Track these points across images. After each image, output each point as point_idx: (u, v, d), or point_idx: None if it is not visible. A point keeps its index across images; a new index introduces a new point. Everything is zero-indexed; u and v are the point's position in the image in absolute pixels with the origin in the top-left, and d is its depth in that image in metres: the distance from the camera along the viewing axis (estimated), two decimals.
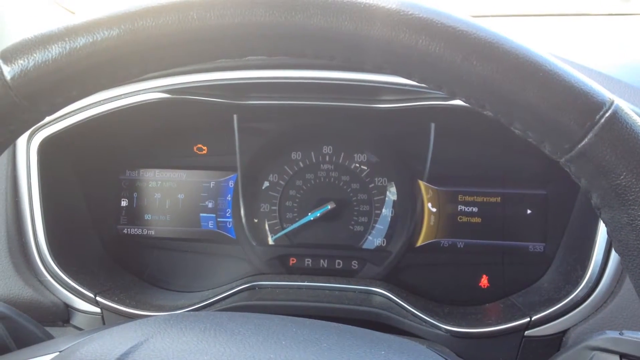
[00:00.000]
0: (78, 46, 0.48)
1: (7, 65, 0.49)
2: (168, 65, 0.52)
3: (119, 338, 0.60)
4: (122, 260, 1.37)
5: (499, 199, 1.32)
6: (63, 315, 1.17)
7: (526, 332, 1.07)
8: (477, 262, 1.31)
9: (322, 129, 1.35)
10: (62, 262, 1.17)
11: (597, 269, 1.04)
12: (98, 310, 1.17)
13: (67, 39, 0.48)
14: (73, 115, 1.13)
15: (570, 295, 1.05)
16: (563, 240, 1.24)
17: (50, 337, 0.81)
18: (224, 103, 1.18)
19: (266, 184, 1.36)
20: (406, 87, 1.08)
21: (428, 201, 1.33)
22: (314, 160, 1.36)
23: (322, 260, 1.34)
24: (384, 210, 1.34)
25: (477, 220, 1.33)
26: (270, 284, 1.25)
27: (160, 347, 0.58)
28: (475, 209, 1.33)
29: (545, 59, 0.47)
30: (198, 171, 1.39)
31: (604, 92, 0.47)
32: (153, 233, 1.40)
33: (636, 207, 0.46)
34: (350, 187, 1.35)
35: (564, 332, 1.06)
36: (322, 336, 0.64)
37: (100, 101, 1.13)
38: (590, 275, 1.04)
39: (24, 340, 0.76)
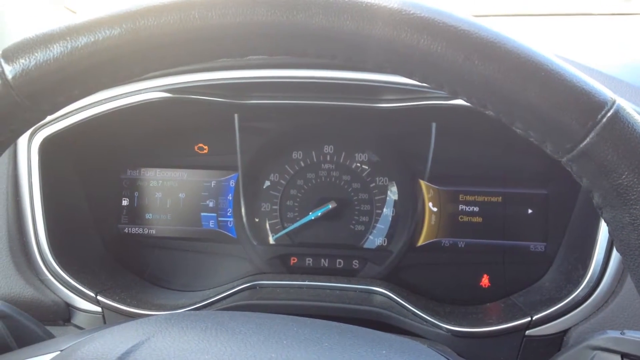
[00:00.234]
0: (80, 45, 0.48)
1: (9, 64, 0.49)
2: (169, 64, 0.52)
3: (120, 337, 0.60)
4: (123, 259, 1.37)
5: (500, 198, 1.32)
6: (64, 314, 1.17)
7: (527, 332, 1.07)
8: (478, 262, 1.31)
9: (323, 129, 1.35)
10: (63, 261, 1.17)
11: (598, 268, 1.04)
12: (99, 309, 1.17)
13: (68, 38, 0.48)
14: (74, 114, 1.13)
15: (572, 294, 1.05)
16: (564, 239, 1.24)
17: (51, 336, 0.81)
18: (225, 102, 1.18)
19: (267, 183, 1.36)
20: (407, 87, 1.08)
21: (429, 201, 1.33)
22: (315, 160, 1.36)
23: (323, 260, 1.34)
24: (385, 209, 1.34)
25: (478, 219, 1.32)
26: (271, 284, 1.25)
27: (162, 347, 0.58)
28: (476, 209, 1.33)
29: (547, 58, 0.47)
30: (199, 170, 1.39)
31: (605, 92, 0.47)
32: (154, 232, 1.40)
33: (638, 207, 0.46)
34: (351, 187, 1.35)
35: (565, 332, 1.06)
36: (324, 335, 0.64)
37: (101, 100, 1.13)
38: (591, 275, 1.04)
39: (25, 339, 0.76)
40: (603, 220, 0.50)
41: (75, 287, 1.16)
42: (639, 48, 1.43)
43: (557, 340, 1.07)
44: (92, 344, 0.59)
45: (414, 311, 1.14)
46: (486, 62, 0.46)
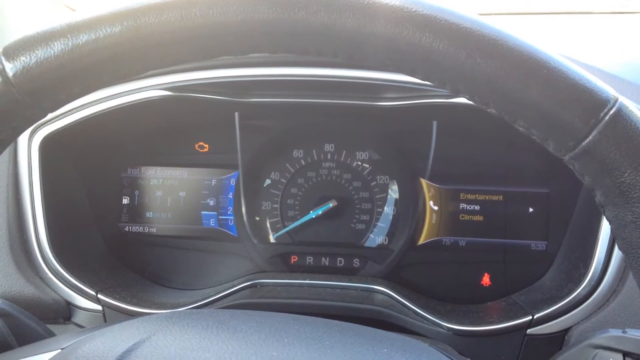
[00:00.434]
0: (80, 43, 0.48)
1: (9, 62, 0.49)
2: (170, 62, 0.52)
3: (120, 336, 0.60)
4: (124, 257, 1.37)
5: (501, 197, 1.32)
6: (64, 313, 1.17)
7: (528, 331, 1.07)
8: (479, 260, 1.31)
9: (324, 127, 1.35)
10: (63, 259, 1.16)
11: (600, 267, 1.04)
12: (99, 307, 1.17)
13: (69, 35, 0.48)
14: (75, 112, 1.13)
15: (573, 293, 1.05)
16: (565, 238, 1.24)
17: (51, 334, 0.81)
18: (226, 101, 1.18)
19: (268, 181, 1.36)
20: (408, 85, 1.08)
21: (430, 199, 1.33)
22: (315, 158, 1.36)
23: (323, 258, 1.34)
24: (385, 208, 1.34)
25: (479, 218, 1.32)
26: (272, 282, 1.25)
27: (162, 345, 0.58)
28: (477, 207, 1.33)
29: (550, 56, 0.46)
30: (199, 169, 1.39)
31: (608, 90, 0.46)
32: (154, 231, 1.40)
33: None
34: (352, 185, 1.35)
35: (566, 331, 1.06)
36: (325, 334, 0.64)
37: (102, 98, 1.13)
38: (592, 273, 1.04)
39: (26, 337, 0.76)
40: (605, 219, 0.50)
41: (76, 285, 1.16)
42: None
43: (559, 339, 1.07)
44: (92, 342, 0.59)
45: (414, 310, 1.14)
46: (488, 59, 0.46)
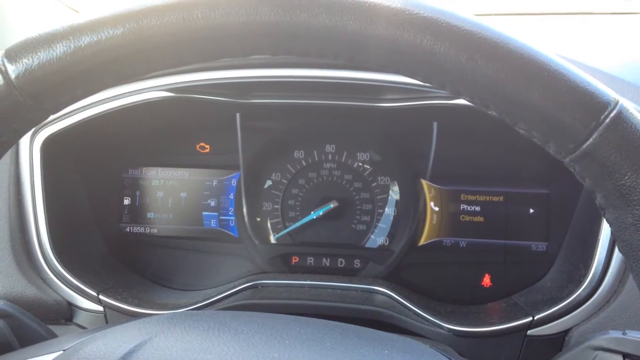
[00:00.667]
0: (83, 45, 0.48)
1: (12, 64, 0.49)
2: (172, 64, 0.52)
3: (122, 337, 0.60)
4: (125, 258, 1.37)
5: (501, 198, 1.32)
6: (66, 314, 1.18)
7: (528, 332, 1.07)
8: (479, 261, 1.31)
9: (325, 128, 1.35)
10: (64, 260, 1.17)
11: (600, 268, 1.04)
12: (101, 308, 1.17)
13: (71, 37, 0.48)
14: (76, 113, 1.13)
15: (573, 294, 1.05)
16: (566, 239, 1.24)
17: (53, 335, 0.81)
18: (227, 102, 1.18)
19: (269, 182, 1.36)
20: (409, 86, 1.08)
21: (430, 200, 1.33)
22: (316, 159, 1.36)
23: (324, 259, 1.34)
24: (386, 209, 1.34)
25: (480, 219, 1.32)
26: (273, 283, 1.25)
27: (164, 346, 0.58)
28: (477, 208, 1.33)
29: (550, 58, 0.47)
30: (201, 170, 1.39)
31: (608, 92, 0.47)
32: (155, 231, 1.40)
33: None
34: (352, 186, 1.35)
35: (566, 332, 1.06)
36: (326, 335, 0.64)
37: (103, 99, 1.13)
38: (593, 275, 1.04)
39: (27, 338, 0.76)
40: (605, 221, 0.50)
41: (77, 286, 1.16)
42: None
43: (559, 340, 1.07)
44: (94, 343, 0.59)
45: (415, 311, 1.14)
46: (489, 62, 0.46)
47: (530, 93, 0.46)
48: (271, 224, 1.36)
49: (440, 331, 1.10)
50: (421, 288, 1.31)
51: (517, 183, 1.32)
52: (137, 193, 1.40)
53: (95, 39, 0.48)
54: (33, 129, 1.14)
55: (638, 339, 0.61)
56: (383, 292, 1.21)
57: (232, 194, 1.38)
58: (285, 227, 1.35)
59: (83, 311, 1.18)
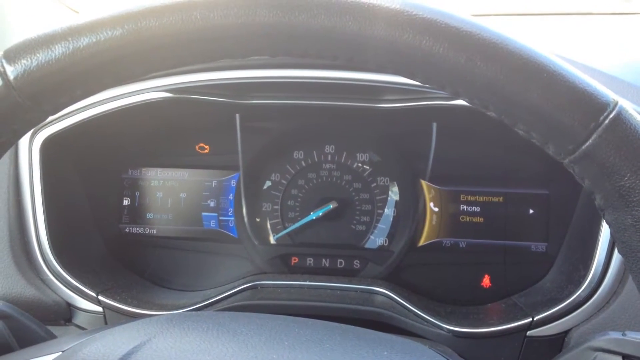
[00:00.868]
0: (81, 46, 0.48)
1: (11, 65, 0.49)
2: (171, 65, 0.52)
3: (121, 338, 0.60)
4: (124, 259, 1.37)
5: (501, 198, 1.32)
6: (65, 314, 1.17)
7: (528, 332, 1.07)
8: (479, 262, 1.31)
9: (325, 129, 1.35)
10: (64, 261, 1.17)
11: (600, 269, 1.04)
12: (100, 309, 1.17)
13: (70, 38, 0.48)
14: (75, 114, 1.13)
15: (573, 295, 1.05)
16: (565, 240, 1.24)
17: (52, 336, 0.81)
18: (227, 102, 1.18)
19: (268, 183, 1.36)
20: (408, 87, 1.08)
21: (430, 201, 1.33)
22: (316, 160, 1.36)
23: (324, 260, 1.34)
24: (386, 209, 1.34)
25: (480, 220, 1.32)
26: (272, 283, 1.25)
27: (163, 347, 0.58)
28: (477, 209, 1.33)
29: (549, 59, 0.47)
30: (200, 170, 1.39)
31: (608, 93, 0.47)
32: (155, 232, 1.40)
33: None
34: (352, 187, 1.35)
35: (566, 333, 1.06)
36: (325, 336, 0.64)
37: (102, 100, 1.13)
38: (592, 276, 1.04)
39: (26, 339, 0.76)
40: (605, 222, 0.50)
41: (77, 287, 1.16)
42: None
43: (558, 341, 1.07)
44: (93, 344, 0.59)
45: (414, 311, 1.14)
46: (488, 63, 0.46)
47: (530, 94, 0.46)
48: (271, 224, 1.36)
49: (440, 332, 1.10)
50: (421, 289, 1.31)
51: (517, 184, 1.32)
52: (137, 193, 1.40)
53: (94, 40, 0.48)
54: (32, 130, 1.14)
55: (638, 340, 0.61)
56: (382, 292, 1.21)
57: (231, 194, 1.38)
58: (285, 228, 1.35)
59: (82, 312, 1.18)
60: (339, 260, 1.34)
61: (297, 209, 1.36)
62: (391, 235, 1.34)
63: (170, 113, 1.25)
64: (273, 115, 1.33)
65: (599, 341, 0.64)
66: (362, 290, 1.23)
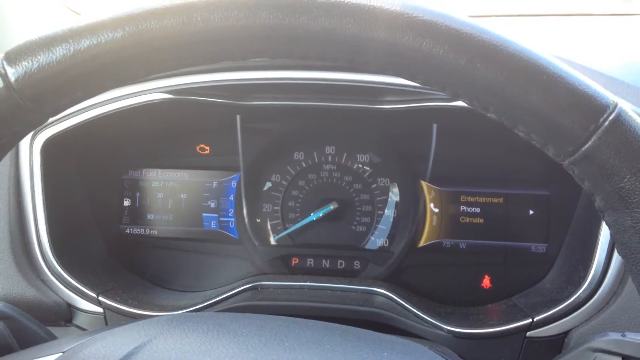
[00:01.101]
0: (82, 48, 0.48)
1: (11, 66, 0.49)
2: (172, 66, 0.52)
3: (121, 339, 0.61)
4: (125, 260, 1.37)
5: (501, 199, 1.32)
6: (65, 315, 1.18)
7: (528, 333, 1.07)
8: (479, 263, 1.31)
9: (325, 130, 1.35)
10: (64, 262, 1.17)
11: (600, 270, 1.04)
12: (101, 310, 1.17)
13: (71, 40, 0.48)
14: (76, 115, 1.14)
15: (573, 296, 1.05)
16: (565, 241, 1.24)
17: (53, 337, 0.81)
18: (227, 104, 1.18)
19: (269, 184, 1.37)
20: (409, 88, 1.08)
21: (430, 202, 1.33)
22: (316, 161, 1.36)
23: (324, 261, 1.34)
24: (386, 210, 1.34)
25: (480, 220, 1.33)
26: (273, 284, 1.25)
27: (163, 348, 0.58)
28: (477, 210, 1.33)
29: (549, 61, 0.47)
30: (201, 171, 1.39)
31: (607, 95, 0.47)
32: (155, 233, 1.40)
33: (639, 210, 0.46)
34: (352, 188, 1.35)
35: (566, 333, 1.06)
36: (325, 337, 0.64)
37: (103, 101, 1.13)
38: (592, 277, 1.04)
39: (27, 340, 0.76)
40: (605, 223, 0.50)
41: (77, 287, 1.16)
42: (639, 49, 1.42)
43: (558, 342, 1.07)
44: (94, 345, 0.59)
45: (415, 312, 1.14)
46: (488, 65, 0.46)
47: (529, 96, 0.46)
48: (271, 225, 1.36)
49: (440, 333, 1.10)
50: (421, 289, 1.31)
51: (517, 184, 1.32)
52: (137, 194, 1.40)
53: (95, 41, 0.48)
54: (33, 131, 1.14)
55: (637, 341, 0.61)
56: (383, 293, 1.21)
57: (232, 195, 1.38)
58: (285, 229, 1.35)
59: (83, 313, 1.18)
60: (339, 261, 1.34)
61: (298, 209, 1.36)
62: (391, 236, 1.34)
63: (171, 114, 1.26)
64: (273, 117, 1.33)
65: (599, 342, 0.64)
66: (363, 291, 1.23)
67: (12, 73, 0.49)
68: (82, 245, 1.28)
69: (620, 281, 1.03)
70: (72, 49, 0.48)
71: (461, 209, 1.33)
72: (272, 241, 1.36)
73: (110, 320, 1.17)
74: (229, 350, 0.58)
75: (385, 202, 1.34)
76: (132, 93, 1.12)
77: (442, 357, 0.70)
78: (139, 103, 1.12)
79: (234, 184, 1.38)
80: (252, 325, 0.66)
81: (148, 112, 1.16)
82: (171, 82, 1.11)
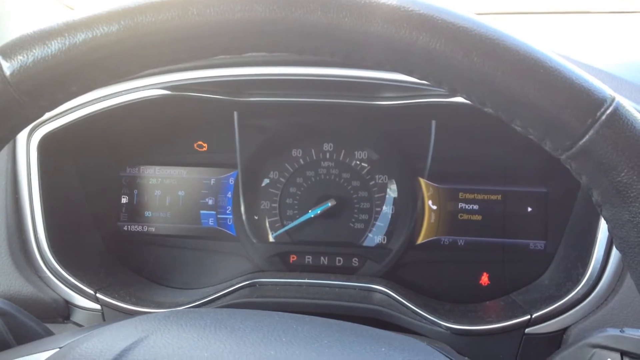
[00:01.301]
0: (77, 42, 0.48)
1: (7, 61, 0.49)
2: (168, 61, 0.52)
3: (118, 335, 0.60)
4: (123, 257, 1.37)
5: (499, 196, 1.32)
6: (63, 312, 1.17)
7: (527, 330, 1.07)
8: (477, 260, 1.31)
9: (323, 126, 1.34)
10: (62, 258, 1.16)
11: (598, 266, 1.04)
12: (98, 307, 1.17)
13: (66, 34, 0.48)
14: (73, 111, 1.13)
15: (571, 292, 1.05)
16: (564, 237, 1.24)
17: (50, 333, 0.81)
18: (225, 100, 1.18)
19: (266, 181, 1.36)
20: (407, 84, 1.08)
21: (429, 199, 1.33)
22: (314, 158, 1.36)
23: (322, 258, 1.34)
24: (384, 207, 1.34)
25: (478, 217, 1.32)
26: (271, 281, 1.25)
27: (160, 344, 0.58)
28: (475, 207, 1.33)
29: (547, 55, 0.47)
30: (198, 168, 1.39)
31: (605, 89, 0.46)
32: (153, 230, 1.40)
33: (637, 204, 0.46)
34: (350, 185, 1.35)
35: (564, 330, 1.06)
36: (323, 333, 0.64)
37: (100, 98, 1.13)
38: (591, 273, 1.04)
39: (24, 336, 0.75)
40: (602, 218, 0.50)
41: (75, 284, 1.16)
42: (638, 46, 1.42)
43: (557, 338, 1.07)
44: (90, 341, 0.59)
45: (413, 309, 1.14)
46: (485, 59, 0.46)
47: (526, 90, 0.46)
48: (269, 222, 1.36)
49: (439, 329, 1.10)
50: (419, 286, 1.31)
51: (515, 181, 1.32)
52: (135, 191, 1.40)
53: (90, 35, 0.48)
54: (30, 127, 1.14)
55: (636, 337, 0.61)
56: (381, 290, 1.21)
57: (229, 192, 1.38)
58: (283, 226, 1.35)
59: (80, 309, 1.18)
60: (337, 258, 1.34)
61: (296, 207, 1.36)
62: (389, 233, 1.34)
63: (168, 111, 1.25)
64: (271, 113, 1.32)
65: (597, 338, 0.64)
66: (361, 288, 1.23)
67: (7, 67, 0.48)
68: (80, 242, 1.28)
69: (618, 278, 1.03)
70: (67, 42, 0.48)
71: (459, 206, 1.33)
72: (270, 238, 1.36)
73: (107, 317, 1.17)
74: (227, 346, 0.57)
75: (383, 199, 1.34)
76: (129, 89, 1.12)
77: (441, 353, 0.70)
78: (136, 99, 1.12)
79: (231, 181, 1.38)
80: (249, 321, 0.65)
81: (145, 109, 1.16)
82: (168, 78, 1.11)
